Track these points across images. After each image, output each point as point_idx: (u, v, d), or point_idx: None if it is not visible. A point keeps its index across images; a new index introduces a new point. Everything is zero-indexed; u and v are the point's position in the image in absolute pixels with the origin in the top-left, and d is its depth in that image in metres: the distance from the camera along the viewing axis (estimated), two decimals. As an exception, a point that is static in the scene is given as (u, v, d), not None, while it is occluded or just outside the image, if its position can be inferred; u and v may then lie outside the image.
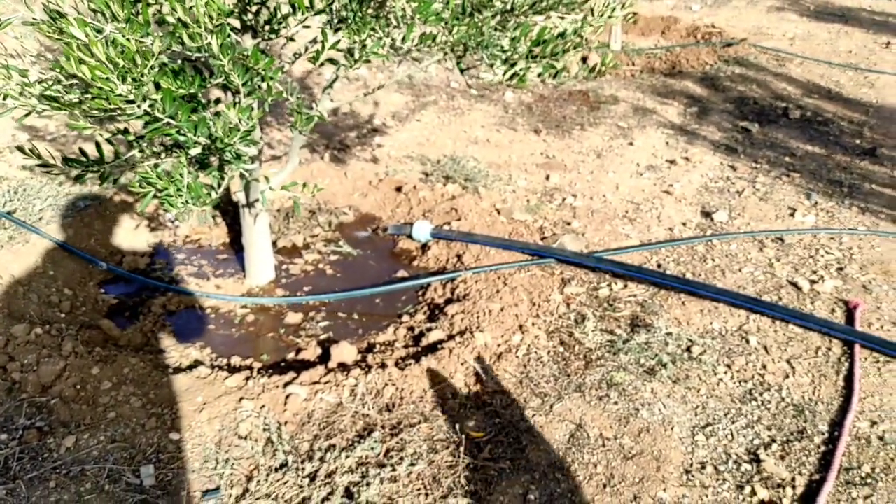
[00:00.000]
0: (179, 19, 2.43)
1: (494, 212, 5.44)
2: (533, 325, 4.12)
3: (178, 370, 3.72)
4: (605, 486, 3.12)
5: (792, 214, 5.51)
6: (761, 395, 3.69)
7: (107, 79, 2.26)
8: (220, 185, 3.25)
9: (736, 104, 8.01)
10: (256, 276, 4.60)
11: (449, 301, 4.35)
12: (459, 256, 4.83)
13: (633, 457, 3.27)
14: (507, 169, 6.25)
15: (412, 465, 3.17)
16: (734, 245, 5.08)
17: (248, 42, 3.31)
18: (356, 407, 3.48)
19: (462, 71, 3.88)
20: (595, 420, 3.47)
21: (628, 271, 4.57)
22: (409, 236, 5.07)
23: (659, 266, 4.86)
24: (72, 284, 4.46)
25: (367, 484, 3.05)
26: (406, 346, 3.99)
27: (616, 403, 3.59)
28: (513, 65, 3.63)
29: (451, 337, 3.98)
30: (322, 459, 3.17)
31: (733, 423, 3.51)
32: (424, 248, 5.06)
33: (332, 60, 3.26)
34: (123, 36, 2.28)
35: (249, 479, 3.10)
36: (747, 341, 4.07)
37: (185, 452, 3.22)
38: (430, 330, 4.06)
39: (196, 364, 3.80)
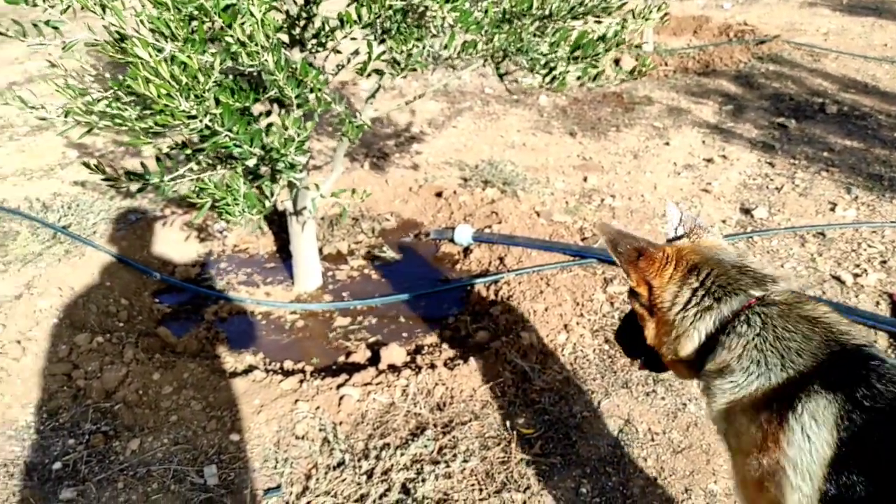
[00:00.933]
0: (238, 39, 2.54)
1: (534, 214, 5.51)
2: (577, 324, 4.18)
3: (234, 374, 3.84)
4: (655, 480, 3.17)
5: (832, 209, 5.50)
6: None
7: (169, 95, 2.38)
8: (272, 194, 3.37)
9: (771, 101, 8.00)
10: (304, 282, 4.71)
11: (493, 303, 4.43)
12: (502, 259, 4.91)
13: (682, 450, 3.32)
14: (545, 172, 6.32)
15: (465, 461, 3.25)
16: (775, 241, 5.09)
17: (296, 55, 3.42)
18: (408, 406, 3.57)
19: (501, 76, 3.96)
20: (643, 415, 3.52)
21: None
22: (451, 240, 5.16)
23: (700, 264, 4.88)
24: (127, 295, 4.61)
25: (423, 480, 3.14)
26: (453, 347, 4.08)
27: (663, 399, 3.64)
28: (552, 69, 3.71)
29: (496, 337, 4.06)
30: (378, 457, 3.27)
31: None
32: (466, 251, 5.15)
33: (377, 71, 3.37)
34: (185, 54, 2.40)
35: (308, 477, 3.20)
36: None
37: (246, 453, 3.34)
38: (476, 331, 4.15)
39: (251, 368, 3.92)
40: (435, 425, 3.47)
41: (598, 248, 4.91)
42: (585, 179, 6.18)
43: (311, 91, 3.17)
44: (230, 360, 4.05)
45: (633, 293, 2.24)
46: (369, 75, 3.31)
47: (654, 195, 5.87)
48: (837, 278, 4.60)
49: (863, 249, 4.92)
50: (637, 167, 6.41)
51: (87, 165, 3.19)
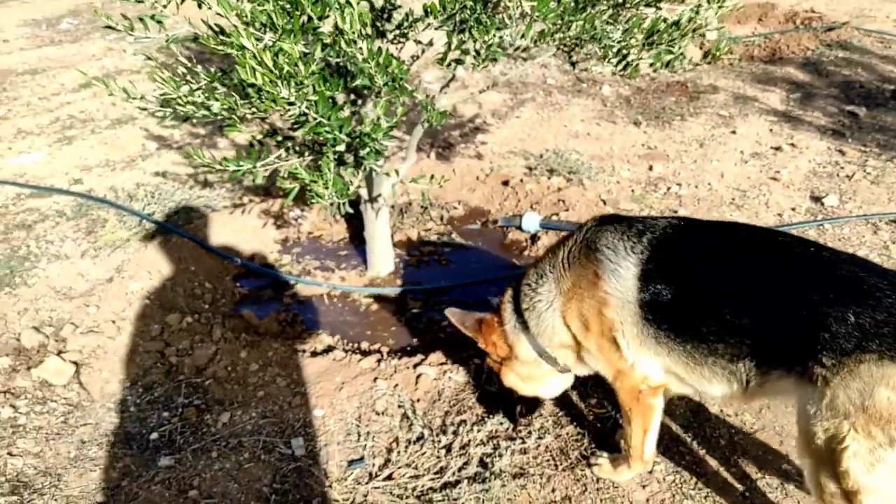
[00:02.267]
0: (337, 26, 2.68)
1: (600, 202, 5.57)
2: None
3: (315, 354, 4.01)
4: (728, 458, 3.23)
5: (905, 197, 5.45)
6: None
7: (273, 83, 2.53)
8: (356, 179, 3.51)
9: (841, 89, 7.88)
10: (378, 267, 4.86)
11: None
12: (570, 245, 4.99)
13: (755, 431, 3.37)
14: (610, 161, 6.36)
15: (540, 438, 3.36)
16: (846, 229, 5.07)
17: (380, 45, 3.55)
18: (483, 384, 3.68)
19: (573, 64, 4.04)
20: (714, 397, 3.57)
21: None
22: (519, 227, 5.26)
23: (769, 251, 4.89)
24: (211, 279, 4.82)
25: (500, 455, 3.25)
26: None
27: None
28: (625, 56, 3.77)
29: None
30: (455, 433, 3.39)
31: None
32: (534, 238, 5.24)
33: (458, 61, 3.48)
34: (287, 44, 2.54)
35: (390, 450, 3.34)
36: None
37: (329, 427, 3.49)
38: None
39: (330, 348, 4.08)
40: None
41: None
42: (651, 168, 6.20)
43: (395, 80, 3.29)
44: (310, 341, 4.22)
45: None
46: (449, 65, 3.42)
47: (721, 183, 5.87)
48: (911, 265, 4.57)
49: (937, 237, 4.87)
50: (703, 156, 6.41)
51: (188, 154, 3.37)
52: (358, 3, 2.67)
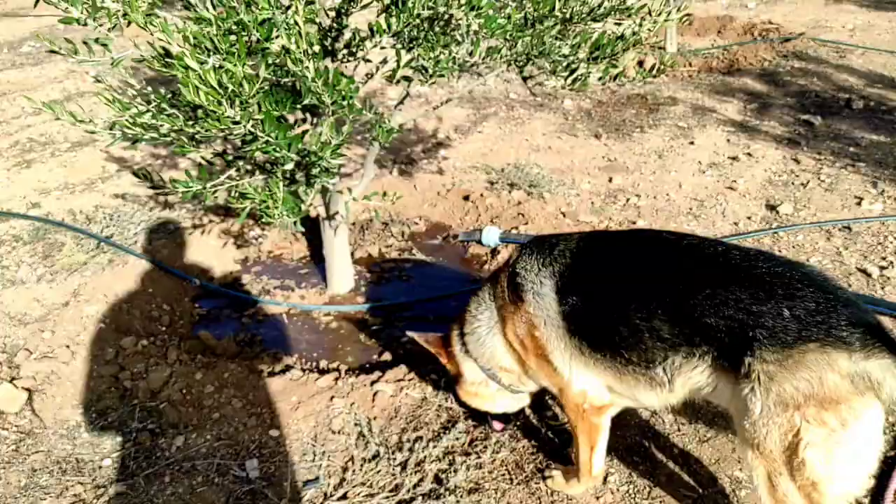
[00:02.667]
0: (283, 47, 2.69)
1: (560, 215, 5.62)
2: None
3: (272, 374, 3.99)
4: (682, 467, 3.25)
5: (859, 203, 5.54)
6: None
7: (218, 102, 2.53)
8: (307, 198, 3.51)
9: (797, 98, 8.02)
10: (337, 285, 4.86)
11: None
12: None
13: (708, 440, 3.40)
14: (570, 174, 6.42)
15: (496, 452, 3.37)
16: (801, 236, 5.15)
17: (328, 65, 3.57)
18: (440, 401, 3.69)
19: (525, 80, 4.08)
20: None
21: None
22: (479, 242, 5.27)
23: (725, 260, 4.95)
24: (169, 300, 4.79)
25: (455, 471, 3.25)
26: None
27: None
28: (574, 70, 3.82)
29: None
30: (411, 450, 3.39)
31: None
32: (494, 252, 5.26)
33: (406, 77, 3.51)
34: (232, 64, 2.55)
35: (345, 469, 3.33)
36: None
37: (285, 447, 3.47)
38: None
39: (287, 368, 4.06)
40: (467, 419, 3.58)
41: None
42: (611, 180, 6.26)
43: (344, 98, 3.31)
44: (267, 361, 4.20)
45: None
46: (398, 82, 3.45)
47: (679, 194, 5.94)
48: (863, 271, 4.64)
49: (889, 242, 4.96)
50: (662, 167, 6.48)
51: (135, 174, 3.36)
52: (305, 23, 2.68)
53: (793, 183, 5.99)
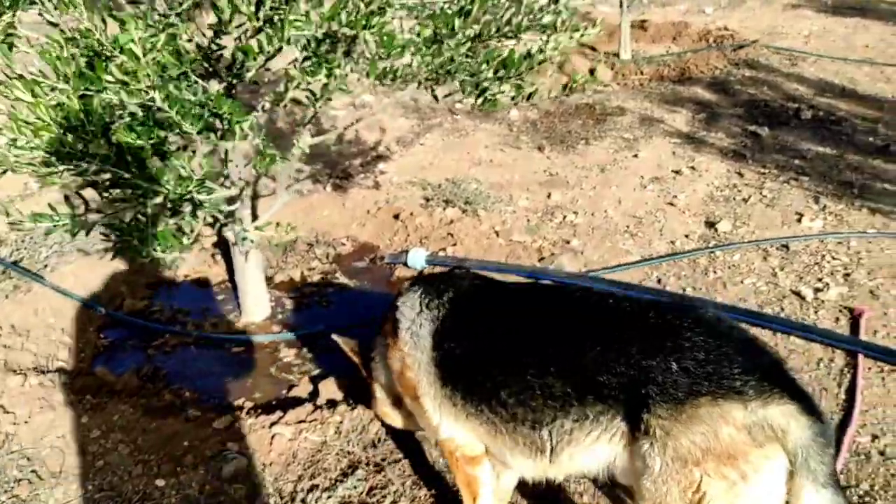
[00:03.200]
0: (117, 79, 2.45)
1: (493, 234, 5.41)
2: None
3: (167, 413, 3.73)
4: (590, 517, 3.05)
5: (799, 220, 5.38)
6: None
7: (56, 136, 2.30)
8: (192, 231, 3.27)
9: (746, 108, 7.88)
10: (251, 313, 4.61)
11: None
12: (455, 283, 4.80)
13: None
14: (509, 189, 6.21)
15: (395, 502, 3.14)
16: (737, 256, 4.97)
17: (213, 87, 3.33)
18: (341, 444, 3.45)
19: (436, 98, 3.87)
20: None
21: (622, 289, 4.49)
22: (405, 264, 5.06)
23: (659, 281, 4.77)
24: (71, 331, 4.52)
25: (353, 523, 3.03)
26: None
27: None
28: (484, 90, 3.61)
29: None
30: (304, 501, 3.15)
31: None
32: (421, 274, 5.03)
33: (295, 100, 3.28)
34: (65, 95, 2.30)
35: (231, 524, 3.09)
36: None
37: (171, 499, 3.22)
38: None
39: (185, 406, 3.81)
40: (367, 464, 3.35)
41: (552, 270, 4.80)
42: (549, 196, 6.06)
43: (231, 123, 3.07)
44: (168, 398, 3.95)
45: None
46: (286, 106, 3.21)
47: (618, 210, 5.75)
48: (798, 293, 4.47)
49: (826, 262, 4.79)
50: (604, 181, 6.29)
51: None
52: (145, 50, 2.43)
53: (734, 198, 5.82)
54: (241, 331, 4.57)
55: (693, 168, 6.41)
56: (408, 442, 3.45)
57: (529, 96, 3.62)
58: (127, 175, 2.64)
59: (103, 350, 4.45)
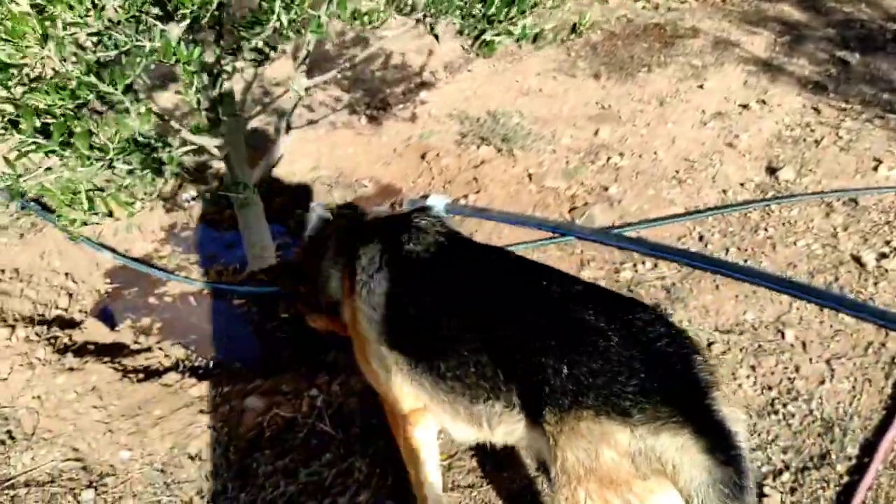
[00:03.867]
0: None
1: (525, 178, 4.97)
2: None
3: (147, 377, 3.57)
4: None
5: (875, 168, 4.71)
6: (785, 406, 3.15)
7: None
8: (155, 186, 3.03)
9: (838, 29, 6.99)
10: (255, 262, 4.38)
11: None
12: (472, 234, 4.43)
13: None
14: (554, 125, 5.71)
15: (356, 495, 2.90)
16: (795, 210, 4.40)
17: (173, 31, 2.98)
18: (313, 421, 3.22)
19: (437, 38, 3.44)
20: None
21: (651, 251, 4.03)
22: (424, 212, 4.70)
23: (701, 238, 4.28)
24: (77, 276, 4.41)
25: (305, 515, 2.81)
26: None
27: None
28: (482, 31, 3.16)
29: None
30: (262, 486, 2.95)
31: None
32: (441, 223, 4.68)
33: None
34: None
35: (189, 504, 2.93)
36: (783, 335, 3.49)
37: (132, 473, 3.08)
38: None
39: (168, 369, 3.65)
40: (337, 446, 3.11)
41: (576, 225, 4.35)
42: (596, 133, 5.54)
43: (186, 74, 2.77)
44: (158, 356, 3.80)
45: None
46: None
47: (670, 152, 5.20)
48: (857, 260, 3.91)
49: (898, 222, 4.18)
50: (659, 116, 5.70)
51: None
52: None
53: (805, 140, 5.16)
54: (244, 281, 4.35)
55: (763, 102, 5.73)
56: (382, 418, 3.18)
57: (535, 38, 3.14)
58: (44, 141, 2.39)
59: (106, 298, 4.32)
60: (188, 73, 2.79)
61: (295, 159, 5.31)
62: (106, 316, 4.14)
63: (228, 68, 3.19)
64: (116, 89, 2.50)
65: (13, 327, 3.80)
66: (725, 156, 5.07)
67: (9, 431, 3.31)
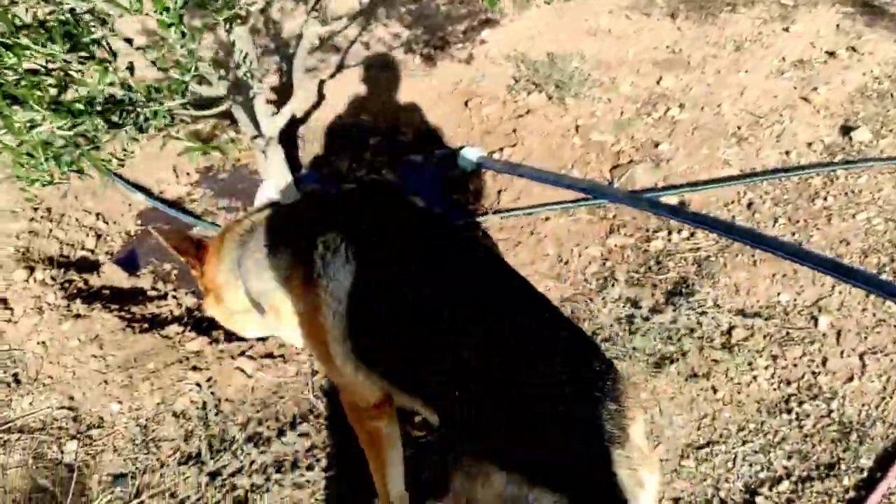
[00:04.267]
0: None
1: (572, 130, 4.66)
2: (546, 289, 3.48)
3: (151, 327, 3.57)
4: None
5: (969, 131, 4.17)
6: (801, 404, 2.85)
7: None
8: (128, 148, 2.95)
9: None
10: (279, 211, 4.29)
11: (458, 254, 3.80)
12: (500, 192, 4.19)
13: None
14: (616, 70, 5.31)
15: (326, 469, 2.82)
16: (864, 178, 3.94)
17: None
18: (297, 388, 3.15)
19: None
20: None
21: (686, 219, 3.70)
22: (456, 164, 4.49)
23: (750, 205, 3.91)
24: (108, 216, 4.45)
25: (267, 490, 2.75)
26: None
27: (602, 405, 2.93)
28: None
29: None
30: (235, 453, 2.90)
31: (744, 443, 2.75)
32: (473, 176, 4.46)
33: None
34: None
35: (163, 465, 2.92)
36: (816, 322, 3.15)
37: (118, 428, 3.10)
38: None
39: (175, 319, 3.63)
40: (317, 416, 3.03)
41: (612, 189, 4.04)
42: (660, 81, 5.12)
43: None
44: (170, 304, 3.79)
45: None
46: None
47: (736, 105, 4.75)
48: (922, 242, 3.48)
49: (981, 198, 3.69)
50: (733, 63, 5.21)
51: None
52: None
53: (892, 95, 4.61)
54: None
55: (853, 49, 5.14)
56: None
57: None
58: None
59: (135, 240, 4.35)
60: (163, 24, 2.65)
61: (337, 102, 5.16)
62: (131, 259, 4.16)
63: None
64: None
65: (32, 269, 3.86)
66: (797, 111, 4.59)
67: (15, 374, 3.39)
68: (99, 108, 2.70)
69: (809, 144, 4.29)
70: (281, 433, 2.96)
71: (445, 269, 2.09)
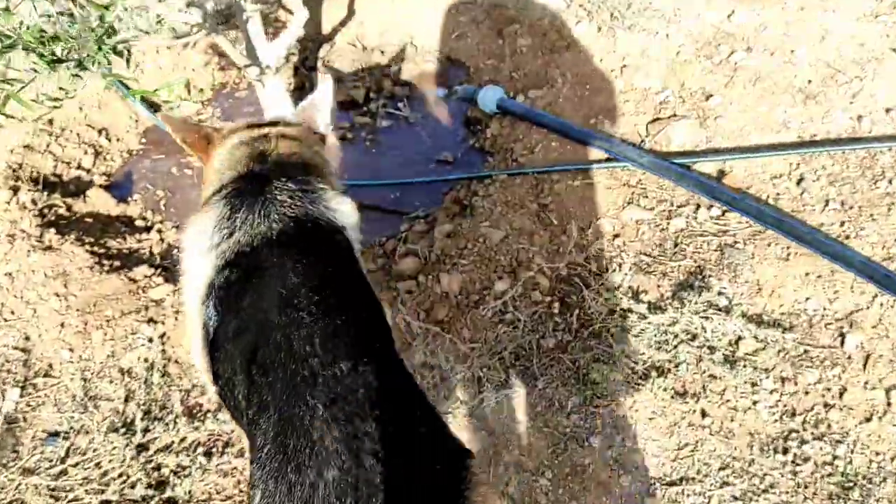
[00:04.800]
0: None
1: (616, 71, 4.11)
2: (538, 268, 3.08)
3: (121, 266, 3.36)
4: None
5: None
6: (802, 444, 2.45)
7: None
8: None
9: None
10: (279, 144, 3.98)
11: (453, 214, 3.43)
12: (516, 141, 3.75)
13: (533, 513, 2.37)
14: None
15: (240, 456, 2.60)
16: (939, 157, 3.34)
17: None
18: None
19: None
20: (525, 437, 2.55)
21: (715, 196, 3.21)
22: (475, 103, 4.04)
23: (800, 181, 3.37)
24: (112, 132, 4.24)
25: (189, 475, 2.56)
26: (377, 270, 3.24)
27: (569, 416, 2.60)
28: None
29: (423, 270, 3.14)
30: (168, 425, 2.72)
31: (724, 485, 2.38)
32: (494, 119, 4.01)
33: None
34: None
35: (97, 429, 2.76)
36: (842, 341, 2.69)
37: (63, 378, 2.95)
38: (405, 255, 3.24)
39: (147, 260, 3.43)
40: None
41: (636, 152, 3.53)
42: (731, 15, 4.46)
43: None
44: (149, 239, 3.58)
45: None
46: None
47: (812, 52, 4.08)
48: None
49: None
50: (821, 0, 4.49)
51: None
52: None
53: None
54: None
55: (970, -8, 4.34)
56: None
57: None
58: None
59: (135, 160, 4.13)
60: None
61: (365, 25, 4.72)
62: (125, 182, 3.96)
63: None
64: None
65: (16, 190, 3.70)
66: (883, 66, 3.91)
67: (-18, 305, 3.28)
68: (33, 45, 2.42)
69: (888, 111, 3.66)
70: (218, 409, 2.74)
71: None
